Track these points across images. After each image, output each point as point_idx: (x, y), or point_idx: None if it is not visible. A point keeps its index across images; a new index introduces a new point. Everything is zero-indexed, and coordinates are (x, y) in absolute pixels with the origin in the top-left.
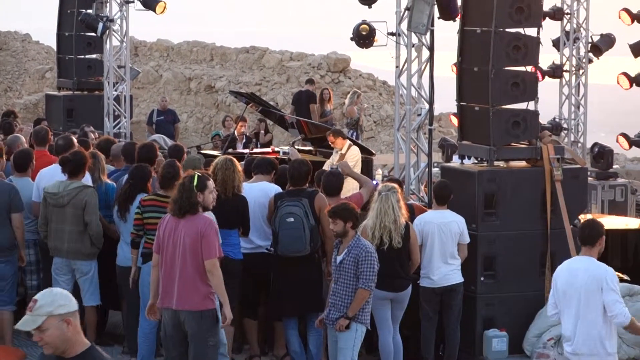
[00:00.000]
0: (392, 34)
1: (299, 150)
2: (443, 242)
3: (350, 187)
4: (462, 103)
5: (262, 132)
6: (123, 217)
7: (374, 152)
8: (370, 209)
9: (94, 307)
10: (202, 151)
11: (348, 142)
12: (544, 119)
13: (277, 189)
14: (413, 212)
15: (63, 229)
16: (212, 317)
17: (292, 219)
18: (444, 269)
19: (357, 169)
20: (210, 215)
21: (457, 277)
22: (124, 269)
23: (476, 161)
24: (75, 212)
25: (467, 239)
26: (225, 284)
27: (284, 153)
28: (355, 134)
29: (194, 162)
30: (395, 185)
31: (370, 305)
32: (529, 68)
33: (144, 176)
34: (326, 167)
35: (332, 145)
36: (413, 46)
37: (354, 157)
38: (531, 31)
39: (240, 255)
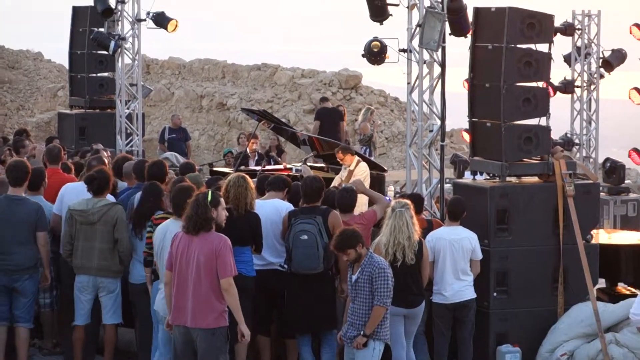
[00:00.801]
0: (403, 50)
1: (311, 167)
2: (455, 259)
3: (360, 202)
4: (473, 119)
5: (274, 153)
6: (138, 235)
7: (386, 168)
8: (384, 225)
9: (114, 326)
10: (215, 168)
11: (356, 158)
12: (555, 135)
13: (288, 206)
14: (431, 228)
15: (92, 247)
16: (223, 335)
17: (305, 237)
18: (456, 285)
19: (366, 185)
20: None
21: (469, 293)
22: (137, 286)
23: (488, 177)
24: (105, 229)
25: (480, 256)
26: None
27: (297, 170)
28: (368, 150)
29: (195, 179)
30: (408, 202)
31: (388, 320)
32: (541, 84)
33: (158, 194)
34: (335, 183)
35: (340, 162)
36: (424, 62)
37: (362, 173)
38: (542, 47)
39: (254, 272)
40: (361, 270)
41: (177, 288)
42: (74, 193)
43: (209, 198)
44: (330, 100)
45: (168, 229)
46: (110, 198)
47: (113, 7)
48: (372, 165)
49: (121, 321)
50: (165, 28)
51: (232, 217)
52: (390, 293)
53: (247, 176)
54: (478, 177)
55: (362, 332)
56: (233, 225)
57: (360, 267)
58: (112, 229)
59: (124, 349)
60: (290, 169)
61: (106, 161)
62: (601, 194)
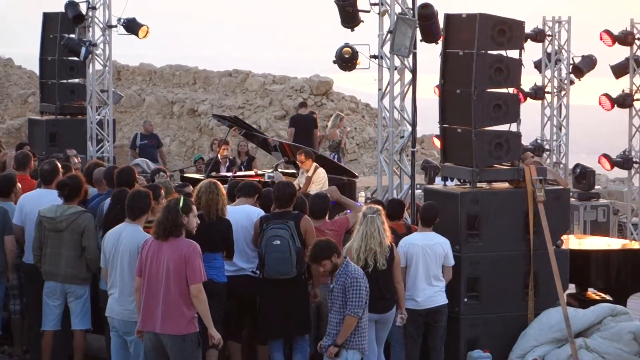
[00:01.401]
0: (374, 56)
1: (282, 173)
2: (427, 264)
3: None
4: (444, 125)
5: (243, 159)
6: None
7: (357, 174)
8: (355, 230)
9: (84, 332)
10: (186, 175)
11: (314, 164)
12: (526, 141)
13: (259, 212)
14: (410, 233)
15: (59, 254)
16: (194, 341)
17: (278, 242)
18: (428, 291)
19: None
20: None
21: (441, 299)
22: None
23: (459, 183)
24: (73, 237)
25: (452, 262)
26: (209, 306)
27: (269, 177)
28: (337, 156)
29: (165, 185)
30: (379, 207)
31: (366, 330)
32: (511, 90)
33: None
34: None
35: (299, 165)
36: (395, 69)
37: (320, 180)
38: (513, 53)
39: (225, 278)
40: (336, 279)
41: (146, 294)
42: (32, 202)
43: (181, 204)
44: (306, 105)
45: (121, 233)
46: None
47: (84, 13)
48: (343, 171)
49: (90, 327)
50: (136, 34)
51: (204, 223)
52: (362, 303)
53: (218, 182)
54: (449, 183)
55: (334, 342)
56: (204, 232)
57: (336, 276)
58: (79, 237)
59: (94, 355)
60: (262, 175)
61: (59, 166)
62: (571, 199)
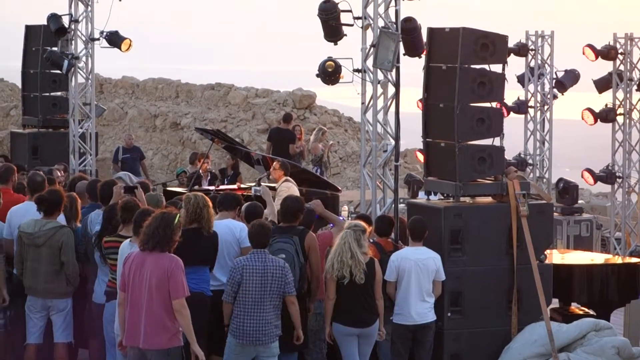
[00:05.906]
0: (357, 70)
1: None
2: (420, 280)
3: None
4: (428, 139)
5: (230, 173)
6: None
7: (340, 188)
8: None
9: (66, 344)
10: (168, 188)
11: (284, 179)
12: (509, 155)
13: (242, 226)
14: (397, 250)
15: (39, 269)
16: (178, 355)
17: (283, 256)
18: (419, 307)
19: None
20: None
21: (431, 315)
22: (98, 306)
23: (442, 197)
24: (51, 252)
25: (443, 277)
26: (194, 320)
27: (256, 191)
28: (319, 170)
29: (154, 198)
30: (361, 223)
31: (238, 319)
32: (495, 104)
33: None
34: None
35: (271, 172)
36: (379, 82)
37: (281, 194)
38: (496, 67)
39: (210, 292)
40: None
41: (130, 309)
42: (20, 214)
43: (176, 221)
44: (290, 120)
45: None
46: (60, 219)
47: (66, 26)
48: (326, 185)
49: (72, 340)
50: (119, 47)
51: (201, 237)
52: (227, 289)
53: (206, 196)
54: (432, 197)
55: None
56: (200, 245)
57: None
58: (58, 252)
59: None
60: (245, 189)
61: (45, 179)
62: (554, 214)
